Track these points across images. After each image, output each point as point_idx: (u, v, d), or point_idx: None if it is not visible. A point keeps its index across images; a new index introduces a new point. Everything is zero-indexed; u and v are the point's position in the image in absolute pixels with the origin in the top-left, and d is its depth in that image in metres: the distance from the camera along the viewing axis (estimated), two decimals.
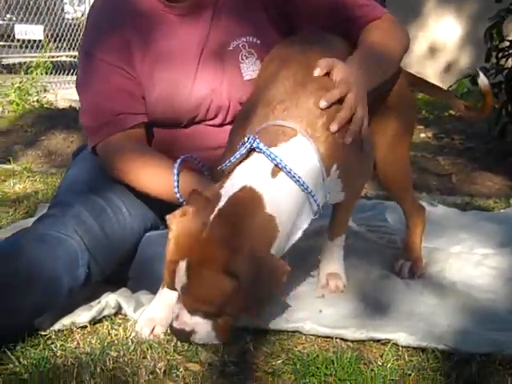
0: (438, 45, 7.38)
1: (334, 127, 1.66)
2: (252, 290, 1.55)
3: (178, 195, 1.82)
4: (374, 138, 2.07)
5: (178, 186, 1.82)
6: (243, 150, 1.61)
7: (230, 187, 1.60)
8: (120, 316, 1.87)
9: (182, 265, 1.56)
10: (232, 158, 1.63)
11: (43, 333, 1.73)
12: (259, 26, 1.98)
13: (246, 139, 1.63)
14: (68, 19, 8.89)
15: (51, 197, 3.03)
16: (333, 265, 2.06)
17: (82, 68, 2.05)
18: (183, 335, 1.63)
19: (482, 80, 2.19)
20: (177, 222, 1.61)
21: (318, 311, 1.88)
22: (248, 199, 1.58)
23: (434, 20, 7.41)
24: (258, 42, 1.97)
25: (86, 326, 1.79)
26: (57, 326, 1.76)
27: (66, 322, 1.78)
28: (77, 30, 8.20)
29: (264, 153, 1.60)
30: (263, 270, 1.56)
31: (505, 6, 4.09)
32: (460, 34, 7.35)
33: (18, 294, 1.67)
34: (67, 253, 1.77)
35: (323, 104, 1.65)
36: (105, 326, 1.80)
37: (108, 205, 1.94)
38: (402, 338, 1.72)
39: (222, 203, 1.57)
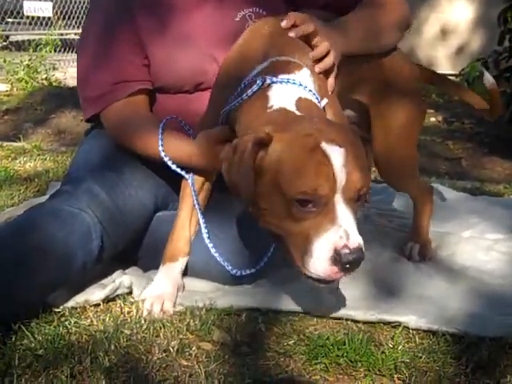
0: (450, 26, 7.32)
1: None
2: None
3: (162, 154, 1.85)
4: (375, 132, 2.08)
5: (162, 145, 1.85)
6: (256, 88, 1.62)
7: (283, 103, 1.58)
8: (132, 295, 1.88)
9: (335, 153, 1.41)
10: (244, 96, 1.64)
11: (57, 310, 1.75)
12: None
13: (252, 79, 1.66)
14: None
15: (62, 175, 3.06)
16: None
17: (84, 34, 2.09)
18: (360, 260, 1.42)
19: (488, 79, 2.16)
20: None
21: (328, 293, 1.89)
22: (311, 105, 1.61)
23: (446, 0, 7.35)
24: (265, 13, 1.99)
25: (98, 304, 1.81)
26: (70, 304, 1.78)
27: (79, 299, 1.80)
28: (86, 8, 8.16)
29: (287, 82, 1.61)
30: None
31: None
32: (472, 15, 7.28)
33: (33, 268, 1.69)
34: (80, 226, 1.79)
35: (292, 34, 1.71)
36: (117, 305, 1.81)
37: (120, 179, 1.95)
38: (413, 320, 1.74)
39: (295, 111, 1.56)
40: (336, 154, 1.41)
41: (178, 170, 1.88)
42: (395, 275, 2.03)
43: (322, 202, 1.40)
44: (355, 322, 1.76)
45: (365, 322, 1.76)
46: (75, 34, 8.28)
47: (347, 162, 1.41)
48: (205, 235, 1.90)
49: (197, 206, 1.90)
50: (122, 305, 1.81)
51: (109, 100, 1.98)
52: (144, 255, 2.02)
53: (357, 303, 1.84)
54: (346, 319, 1.78)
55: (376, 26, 1.95)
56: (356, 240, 1.40)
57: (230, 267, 1.89)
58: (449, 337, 1.66)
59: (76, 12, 8.08)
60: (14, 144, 3.83)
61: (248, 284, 1.95)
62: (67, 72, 6.68)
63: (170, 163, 1.86)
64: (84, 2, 8.28)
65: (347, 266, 1.39)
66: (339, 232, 1.39)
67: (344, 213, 1.41)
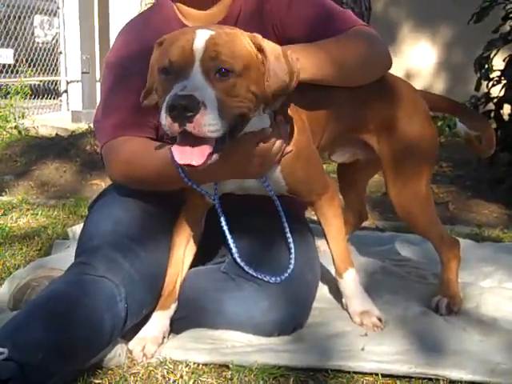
0: (413, 71, 7.52)
1: None
2: (274, 72, 1.64)
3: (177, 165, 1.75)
4: (387, 174, 2.16)
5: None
6: None
7: None
8: (171, 358, 1.83)
9: (202, 32, 1.58)
10: None
11: (96, 381, 1.70)
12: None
13: None
14: (38, 43, 8.78)
15: (61, 232, 3.01)
16: (359, 303, 2.07)
17: (110, 76, 2.08)
18: (189, 104, 1.47)
19: (461, 128, 2.23)
20: None
21: (360, 349, 1.88)
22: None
23: (408, 46, 7.55)
24: None
25: (138, 372, 1.76)
26: None
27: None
28: (49, 55, 8.09)
29: None
30: (281, 58, 1.67)
31: (495, 36, 4.20)
32: (435, 59, 7.50)
33: (64, 339, 1.63)
34: (103, 291, 1.78)
35: None
36: (159, 372, 1.76)
37: (134, 243, 1.93)
38: (454, 372, 1.74)
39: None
40: (202, 35, 1.57)
41: (195, 187, 1.84)
42: (426, 329, 2.02)
43: (178, 70, 1.55)
44: (401, 380, 1.75)
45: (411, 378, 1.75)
46: (40, 81, 8.20)
47: (212, 42, 1.56)
48: (236, 255, 1.95)
49: (227, 231, 1.93)
50: (165, 371, 1.76)
51: (126, 131, 1.99)
52: (181, 315, 1.98)
53: (391, 357, 1.84)
54: (383, 375, 1.77)
55: (342, 56, 1.95)
56: (188, 89, 1.49)
57: (267, 277, 1.92)
58: None
59: (38, 59, 7.98)
60: (0, 198, 3.75)
61: (286, 334, 1.95)
62: (35, 120, 6.59)
63: (185, 178, 1.81)
64: (46, 49, 8.20)
65: (172, 112, 1.48)
66: (179, 87, 1.51)
67: (194, 76, 1.53)
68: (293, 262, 1.97)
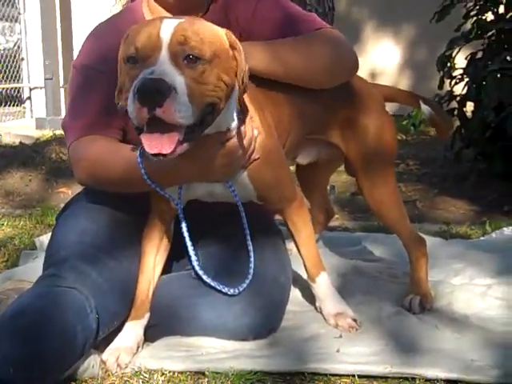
0: (377, 70, 7.58)
1: None
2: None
3: (141, 167, 1.74)
4: (356, 169, 2.21)
5: (141, 158, 1.74)
6: None
7: None
8: (146, 367, 1.81)
9: (170, 20, 1.56)
10: None
11: None
12: None
13: None
14: (0, 50, 8.65)
15: (29, 242, 2.96)
16: (333, 304, 2.07)
17: (77, 78, 2.04)
18: (159, 87, 1.43)
19: (425, 109, 2.28)
20: None
21: (335, 351, 1.89)
22: None
23: (372, 45, 7.61)
24: None
25: (113, 383, 1.74)
26: None
27: None
28: (11, 62, 7.98)
29: None
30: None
31: (457, 35, 4.26)
32: (398, 58, 7.58)
33: (35, 350, 1.60)
34: (73, 302, 1.75)
35: None
36: (134, 382, 1.74)
37: (102, 253, 1.92)
38: (430, 371, 1.75)
39: None
40: (170, 22, 1.54)
41: (158, 190, 1.79)
42: (401, 328, 2.03)
43: (145, 57, 1.50)
44: (378, 380, 1.76)
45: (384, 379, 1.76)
46: (2, 88, 8.07)
47: (180, 28, 1.52)
48: (195, 263, 1.92)
49: (187, 237, 1.89)
50: (141, 383, 1.74)
51: (93, 131, 1.95)
52: (155, 323, 1.96)
53: (367, 358, 1.84)
54: (360, 376, 1.77)
55: (302, 53, 1.98)
56: (157, 73, 1.45)
57: (225, 288, 1.90)
58: None
59: (0, 66, 7.85)
60: None
61: (262, 338, 1.94)
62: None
63: (148, 180, 1.76)
64: (7, 56, 8.09)
65: (141, 96, 1.42)
66: (147, 72, 1.45)
67: (162, 62, 1.48)
68: (251, 271, 1.94)
